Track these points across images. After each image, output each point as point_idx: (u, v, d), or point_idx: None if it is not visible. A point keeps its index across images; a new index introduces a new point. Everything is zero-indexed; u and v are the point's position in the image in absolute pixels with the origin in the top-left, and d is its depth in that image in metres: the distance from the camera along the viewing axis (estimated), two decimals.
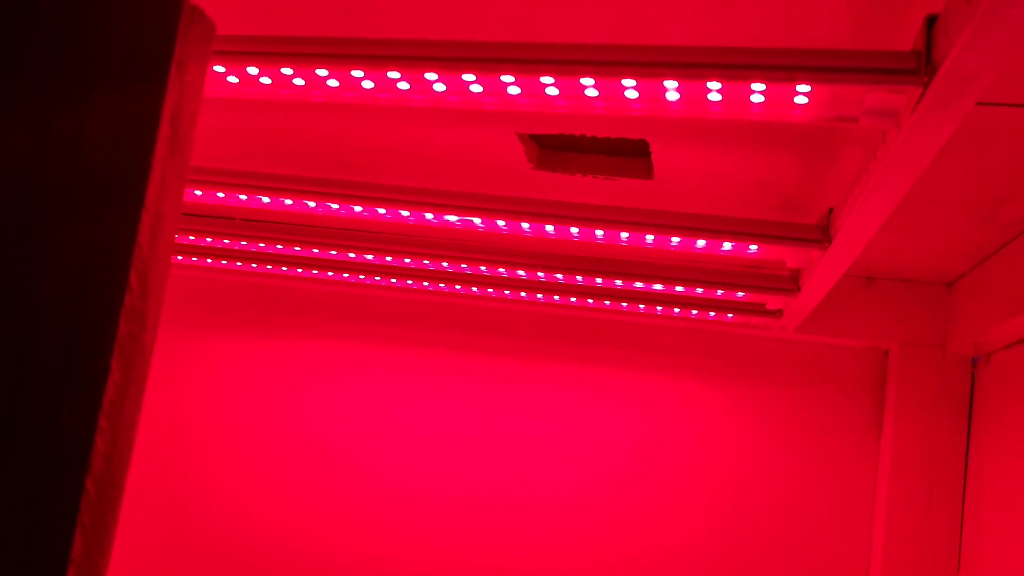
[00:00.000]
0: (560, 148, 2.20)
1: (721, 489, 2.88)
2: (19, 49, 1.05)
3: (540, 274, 2.51)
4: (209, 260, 2.82)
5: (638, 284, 2.46)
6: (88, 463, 1.00)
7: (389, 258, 2.55)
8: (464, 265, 2.52)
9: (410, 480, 3.00)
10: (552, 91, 1.41)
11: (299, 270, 2.78)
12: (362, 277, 2.76)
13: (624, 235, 2.09)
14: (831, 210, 1.96)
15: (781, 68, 1.27)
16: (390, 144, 2.17)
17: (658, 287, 2.46)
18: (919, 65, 1.22)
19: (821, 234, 1.97)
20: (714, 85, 1.32)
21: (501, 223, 2.13)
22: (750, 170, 2.06)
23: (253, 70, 1.48)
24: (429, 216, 2.14)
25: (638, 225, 2.06)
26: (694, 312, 2.64)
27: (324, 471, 3.05)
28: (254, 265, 2.80)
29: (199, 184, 2.18)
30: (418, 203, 2.11)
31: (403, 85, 1.46)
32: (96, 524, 1.02)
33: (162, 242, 1.07)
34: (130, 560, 3.05)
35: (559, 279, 2.54)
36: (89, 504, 1.01)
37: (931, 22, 1.22)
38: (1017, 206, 2.07)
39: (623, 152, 2.19)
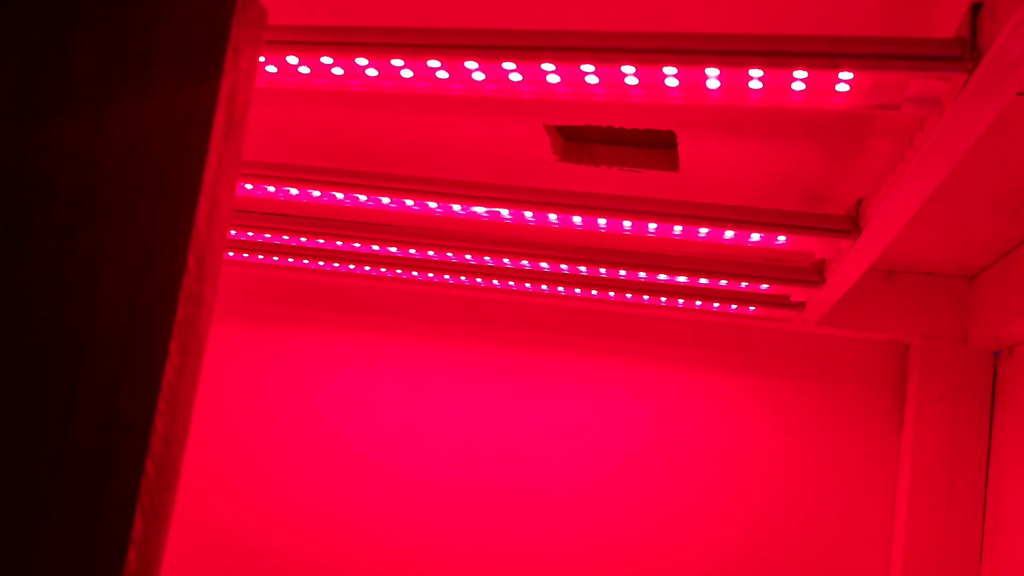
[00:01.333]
0: (585, 140, 2.21)
1: (741, 481, 2.88)
2: (78, 37, 1.06)
3: (563, 266, 2.52)
4: (231, 253, 2.82)
5: (662, 276, 2.46)
6: (148, 445, 1.01)
7: (413, 251, 2.56)
8: (487, 258, 2.52)
9: (432, 471, 3.00)
10: (591, 79, 1.42)
11: (321, 263, 2.78)
12: (383, 270, 2.77)
13: (652, 226, 2.09)
14: (860, 201, 1.97)
15: (824, 55, 1.27)
16: (417, 136, 2.17)
17: (682, 279, 2.46)
18: (964, 52, 1.22)
19: (851, 225, 1.97)
20: (756, 73, 1.33)
21: (528, 214, 2.13)
22: (773, 162, 2.06)
23: (293, 59, 1.48)
24: (457, 208, 2.15)
25: (666, 216, 2.06)
26: (716, 305, 2.65)
27: (342, 461, 3.05)
28: (275, 258, 2.80)
29: None
30: (446, 194, 2.12)
31: (442, 74, 1.46)
32: (156, 504, 1.03)
33: (218, 226, 1.08)
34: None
35: (582, 272, 2.55)
36: (149, 485, 1.01)
37: (976, 9, 1.22)
38: None
39: (648, 144, 2.19)
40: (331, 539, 3.01)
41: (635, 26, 1.41)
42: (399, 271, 2.75)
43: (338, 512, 3.02)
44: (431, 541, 2.97)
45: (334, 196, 2.17)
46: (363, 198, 2.16)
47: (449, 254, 2.55)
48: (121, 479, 0.99)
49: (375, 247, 2.59)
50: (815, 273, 2.35)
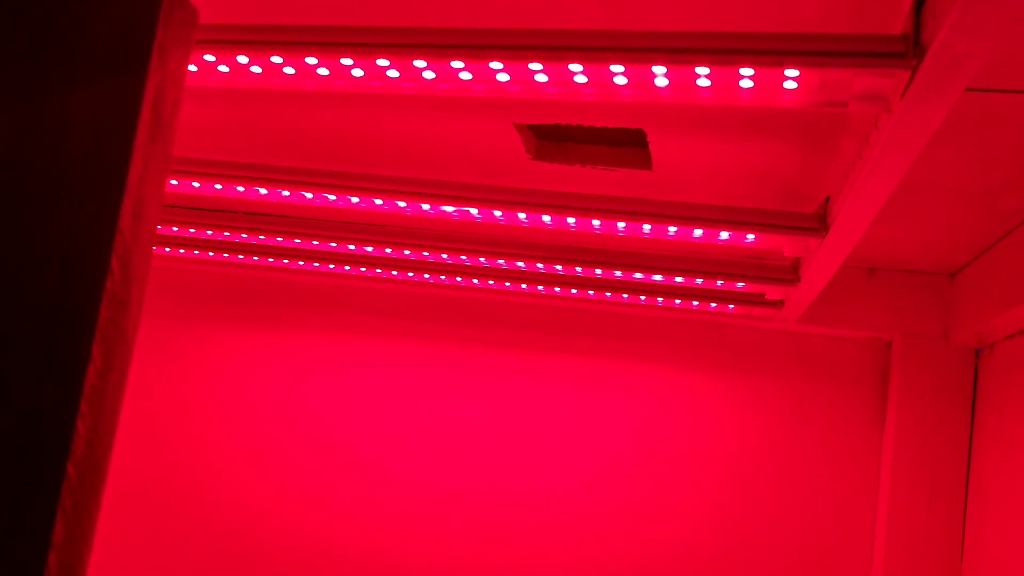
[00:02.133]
0: (559, 138, 2.20)
1: (723, 481, 2.87)
2: (7, 34, 1.05)
3: (539, 265, 2.51)
4: (211, 253, 2.82)
5: (638, 275, 2.45)
6: (69, 448, 1.00)
7: (389, 250, 2.55)
8: (464, 257, 2.52)
9: (413, 471, 3.00)
10: (541, 78, 1.41)
11: (300, 263, 2.78)
12: (363, 269, 2.76)
13: (621, 225, 2.08)
14: (828, 198, 1.95)
15: (769, 52, 1.26)
16: (387, 135, 2.16)
17: (657, 277, 2.45)
18: (907, 48, 1.21)
19: (818, 222, 1.95)
20: (702, 70, 1.31)
21: (498, 213, 2.12)
22: (751, 160, 2.04)
23: (243, 59, 1.48)
24: (426, 207, 2.14)
25: (635, 215, 2.05)
26: (695, 303, 2.63)
27: (328, 462, 3.05)
28: (255, 258, 2.80)
29: (197, 176, 2.18)
30: (415, 194, 2.11)
31: (392, 73, 1.45)
32: (78, 509, 1.02)
33: (144, 228, 1.07)
34: (139, 553, 3.07)
35: (558, 270, 2.54)
36: (71, 489, 1.01)
37: (920, 4, 1.20)
38: (1018, 195, 2.05)
39: (622, 142, 2.18)
40: (318, 539, 3.01)
41: (584, 23, 1.40)
42: (378, 270, 2.74)
43: (324, 512, 3.02)
44: (416, 539, 2.96)
45: (303, 196, 2.16)
46: (332, 197, 2.15)
47: (425, 253, 2.54)
48: (41, 483, 0.99)
49: (351, 247, 2.58)
50: (790, 271, 2.34)
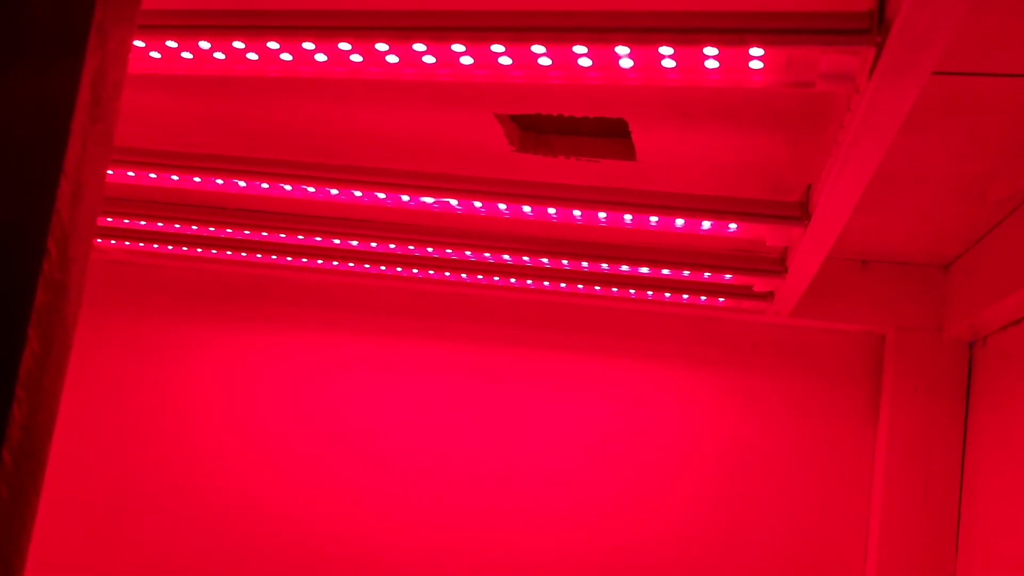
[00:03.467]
0: (542, 130, 2.17)
1: (716, 475, 2.84)
2: None
3: (525, 258, 2.48)
4: (199, 249, 2.81)
5: (624, 267, 2.43)
6: (5, 435, 0.98)
7: (374, 244, 2.53)
8: (449, 250, 2.49)
9: (407, 465, 2.98)
10: (505, 60, 1.38)
11: (288, 258, 2.76)
12: (351, 264, 2.74)
13: (602, 215, 2.05)
14: (809, 187, 1.92)
15: (732, 31, 1.23)
16: (368, 127, 2.14)
17: (644, 270, 2.42)
18: (872, 25, 1.18)
19: (800, 211, 1.92)
20: (666, 51, 1.29)
21: (478, 204, 2.10)
22: (740, 151, 2.01)
23: (205, 44, 1.46)
24: (405, 198, 2.11)
25: (616, 205, 2.02)
26: (685, 296, 2.60)
27: (321, 454, 3.03)
28: (244, 254, 2.78)
29: (176, 170, 2.16)
30: (394, 185, 2.09)
31: (355, 57, 1.43)
32: (15, 496, 1.00)
33: (83, 211, 1.05)
34: (139, 553, 3.06)
35: (545, 263, 2.51)
36: (7, 476, 0.98)
37: None
38: (1007, 183, 2.01)
39: (606, 133, 2.15)
40: (316, 532, 3.00)
41: (545, 4, 1.37)
42: (367, 265, 2.73)
43: (322, 504, 3.01)
44: (411, 532, 2.94)
45: (282, 188, 2.14)
46: (311, 189, 2.13)
47: (411, 247, 2.52)
48: None
49: (336, 241, 2.57)
50: (778, 263, 2.31)
